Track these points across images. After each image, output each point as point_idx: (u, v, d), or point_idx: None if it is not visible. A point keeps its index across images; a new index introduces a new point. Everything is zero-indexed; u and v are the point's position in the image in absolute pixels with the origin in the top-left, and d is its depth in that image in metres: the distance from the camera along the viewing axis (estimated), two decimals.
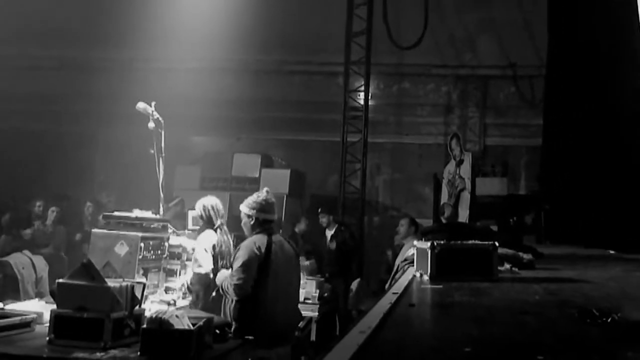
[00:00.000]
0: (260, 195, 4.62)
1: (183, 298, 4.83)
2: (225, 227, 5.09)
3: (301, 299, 5.78)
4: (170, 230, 5.05)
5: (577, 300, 2.92)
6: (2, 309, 4.01)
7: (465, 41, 11.40)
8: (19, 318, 3.75)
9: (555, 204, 7.21)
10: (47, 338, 3.46)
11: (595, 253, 6.28)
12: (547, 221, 7.32)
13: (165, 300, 4.60)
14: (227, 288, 4.31)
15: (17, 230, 7.61)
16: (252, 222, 4.52)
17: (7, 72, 11.85)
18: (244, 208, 4.57)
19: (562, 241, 6.74)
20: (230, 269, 4.45)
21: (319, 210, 8.49)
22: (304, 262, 6.94)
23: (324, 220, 8.34)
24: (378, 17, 10.14)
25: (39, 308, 4.04)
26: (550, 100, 8.41)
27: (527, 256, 4.39)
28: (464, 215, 9.89)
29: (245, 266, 4.26)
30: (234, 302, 4.32)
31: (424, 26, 9.89)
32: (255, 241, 4.39)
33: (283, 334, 4.47)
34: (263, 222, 4.53)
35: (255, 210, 4.52)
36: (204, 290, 4.72)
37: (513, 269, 4.15)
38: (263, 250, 4.34)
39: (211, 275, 4.68)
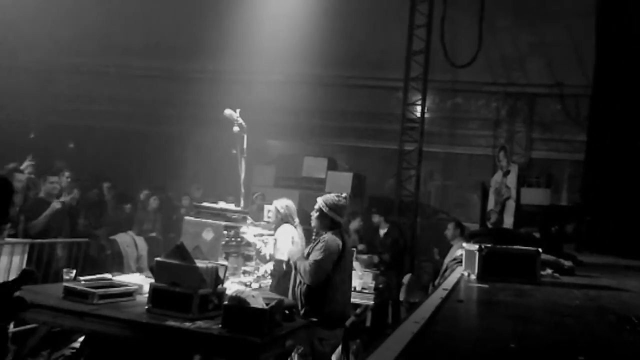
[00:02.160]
0: (340, 199, 4.58)
1: (256, 282, 4.90)
2: (300, 227, 5.04)
3: (359, 288, 5.78)
4: (249, 221, 5.15)
5: (615, 307, 2.82)
6: (111, 279, 4.18)
7: (516, 61, 11.11)
8: (124, 288, 3.91)
9: (595, 215, 6.94)
10: (146, 307, 3.58)
11: (633, 264, 5.98)
12: (587, 231, 7.03)
13: (243, 281, 4.69)
14: (301, 270, 4.29)
15: (120, 204, 7.83)
16: (324, 219, 4.49)
17: (116, 79, 12.41)
18: (322, 204, 4.50)
19: (601, 251, 6.47)
20: (306, 253, 4.44)
21: (373, 210, 8.45)
22: (362, 256, 6.93)
23: (375, 219, 8.29)
24: (436, 37, 10.02)
25: (139, 281, 4.17)
26: (594, 118, 8.10)
27: (568, 263, 4.25)
28: (508, 222, 9.64)
29: (328, 255, 4.26)
30: (305, 286, 4.32)
31: (478, 46, 9.71)
32: (336, 239, 4.37)
33: (341, 317, 4.50)
34: (333, 222, 4.49)
35: (330, 210, 4.52)
36: (283, 275, 4.72)
37: (554, 274, 4.03)
38: (341, 247, 4.36)
39: (290, 263, 4.66)
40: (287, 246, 4.73)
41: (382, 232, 8.25)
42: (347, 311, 4.66)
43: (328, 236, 4.38)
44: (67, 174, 7.45)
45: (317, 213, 4.51)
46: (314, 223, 4.56)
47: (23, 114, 12.27)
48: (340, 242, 4.36)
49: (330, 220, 4.45)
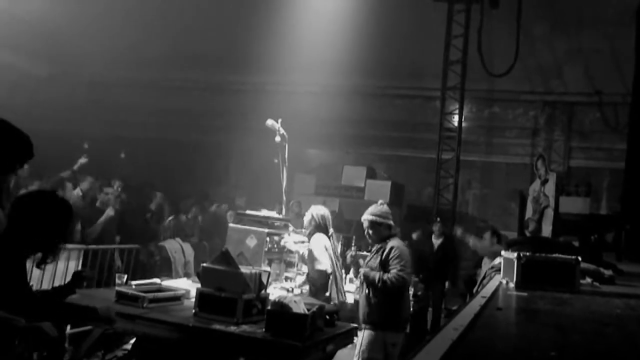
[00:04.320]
0: (383, 205, 4.62)
1: (298, 287, 4.91)
2: (335, 236, 5.00)
3: None
4: (290, 229, 5.19)
5: None
6: (160, 284, 4.27)
7: (553, 69, 10.85)
8: (172, 292, 3.98)
9: (635, 224, 6.70)
10: (193, 311, 3.63)
11: None
12: (627, 240, 6.79)
13: (285, 287, 4.73)
14: (389, 279, 4.30)
15: (177, 215, 7.98)
16: (380, 229, 4.53)
17: (164, 91, 12.76)
18: (373, 217, 4.53)
19: None
20: (380, 268, 4.45)
21: (437, 219, 8.29)
22: None
23: (435, 228, 8.13)
24: (473, 47, 9.90)
25: (187, 286, 4.25)
26: (634, 126, 7.84)
27: (608, 272, 4.11)
28: (547, 230, 9.40)
29: (406, 263, 4.36)
30: (381, 296, 4.35)
31: (515, 56, 9.53)
32: (402, 244, 4.49)
33: (405, 323, 4.57)
34: (389, 226, 4.56)
35: (384, 219, 4.56)
36: (324, 285, 4.67)
37: (594, 283, 3.90)
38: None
39: (329, 271, 4.63)
40: (324, 256, 4.67)
41: (436, 242, 8.08)
42: (409, 316, 4.69)
43: (395, 242, 4.41)
44: (117, 183, 7.69)
45: (371, 227, 4.53)
46: (374, 238, 4.58)
47: (77, 124, 12.71)
48: (403, 243, 4.44)
49: (387, 227, 4.50)
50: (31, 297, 2.78)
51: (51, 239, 2.81)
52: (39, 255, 2.82)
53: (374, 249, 4.60)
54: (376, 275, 4.38)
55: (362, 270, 4.62)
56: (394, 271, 4.31)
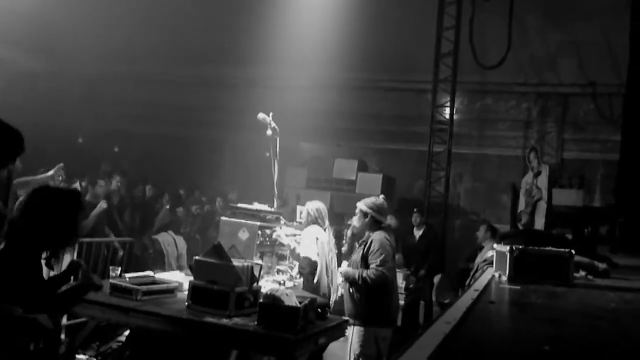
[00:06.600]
0: (379, 199, 4.64)
1: (290, 280, 4.95)
2: (330, 229, 5.03)
3: None
4: (282, 222, 5.19)
5: None
6: (153, 277, 4.27)
7: (546, 60, 10.82)
8: (165, 285, 4.00)
9: (630, 217, 6.72)
10: (186, 303, 3.65)
11: None
12: (621, 233, 6.80)
13: (277, 280, 4.74)
14: (368, 276, 4.31)
15: (174, 208, 7.97)
16: (365, 219, 4.54)
17: (157, 85, 12.67)
18: (362, 206, 4.58)
19: (636, 253, 6.26)
20: (362, 262, 4.46)
21: (415, 210, 8.31)
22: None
23: (417, 219, 8.14)
24: (464, 39, 9.85)
25: (179, 278, 4.26)
26: (628, 118, 7.85)
27: (602, 265, 4.12)
28: (540, 223, 9.38)
29: (386, 257, 4.33)
30: (364, 291, 4.35)
31: (507, 47, 9.49)
32: (385, 236, 4.44)
33: (394, 317, 4.55)
34: (375, 221, 4.53)
35: (371, 210, 4.55)
36: (310, 273, 4.72)
37: (588, 276, 3.91)
38: (393, 242, 4.41)
39: (313, 259, 4.66)
40: (312, 245, 4.74)
41: (417, 233, 8.10)
42: (397, 311, 4.68)
43: (376, 236, 4.40)
44: (117, 177, 7.64)
45: (358, 215, 4.57)
46: (357, 227, 4.62)
47: (71, 119, 12.61)
48: (390, 239, 4.40)
49: (371, 219, 4.49)
50: (41, 290, 2.76)
51: (63, 232, 2.80)
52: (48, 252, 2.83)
53: (360, 242, 4.62)
54: (356, 273, 4.42)
55: (341, 270, 4.65)
56: (372, 266, 4.32)
